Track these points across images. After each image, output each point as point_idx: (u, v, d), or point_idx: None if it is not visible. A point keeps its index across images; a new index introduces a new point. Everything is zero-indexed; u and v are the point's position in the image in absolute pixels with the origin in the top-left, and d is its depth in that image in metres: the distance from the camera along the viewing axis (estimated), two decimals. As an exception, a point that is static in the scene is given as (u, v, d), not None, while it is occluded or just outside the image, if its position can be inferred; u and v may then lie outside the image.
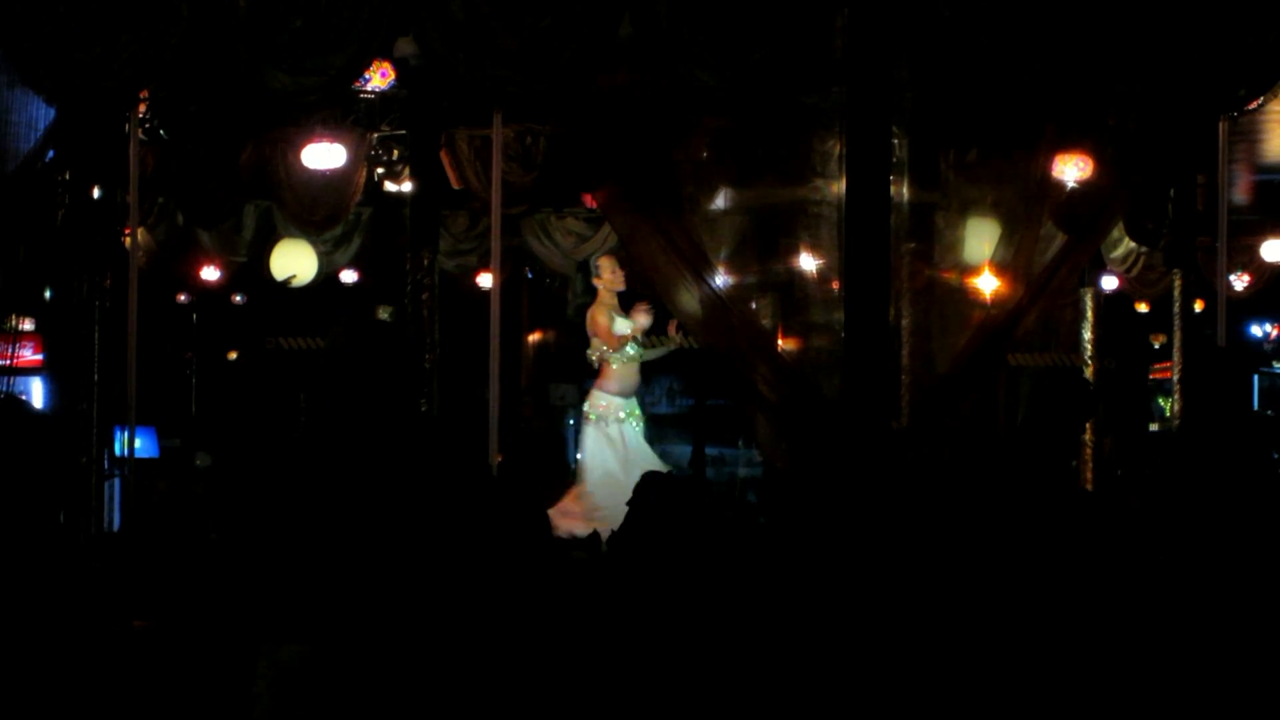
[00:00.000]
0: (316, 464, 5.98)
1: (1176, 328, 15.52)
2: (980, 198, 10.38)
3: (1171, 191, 14.31)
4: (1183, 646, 6.26)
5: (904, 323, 9.91)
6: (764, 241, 11.02)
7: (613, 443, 12.42)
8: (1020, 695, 6.66)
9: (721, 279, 9.47)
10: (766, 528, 10.12)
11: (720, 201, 11.02)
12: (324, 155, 13.45)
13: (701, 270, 9.13)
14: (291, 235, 15.91)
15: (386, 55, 11.18)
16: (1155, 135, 9.27)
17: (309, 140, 13.38)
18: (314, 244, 16.11)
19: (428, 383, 11.62)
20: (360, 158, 14.12)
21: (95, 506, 9.92)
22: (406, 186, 13.86)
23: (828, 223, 10.02)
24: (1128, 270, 17.13)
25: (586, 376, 13.47)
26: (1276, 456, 6.96)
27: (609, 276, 12.73)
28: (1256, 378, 20.50)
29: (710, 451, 15.95)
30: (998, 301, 9.35)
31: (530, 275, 21.08)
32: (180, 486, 12.86)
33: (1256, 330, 23.80)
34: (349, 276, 18.88)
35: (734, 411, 12.55)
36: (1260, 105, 9.37)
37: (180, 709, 7.25)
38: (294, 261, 15.86)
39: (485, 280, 17.12)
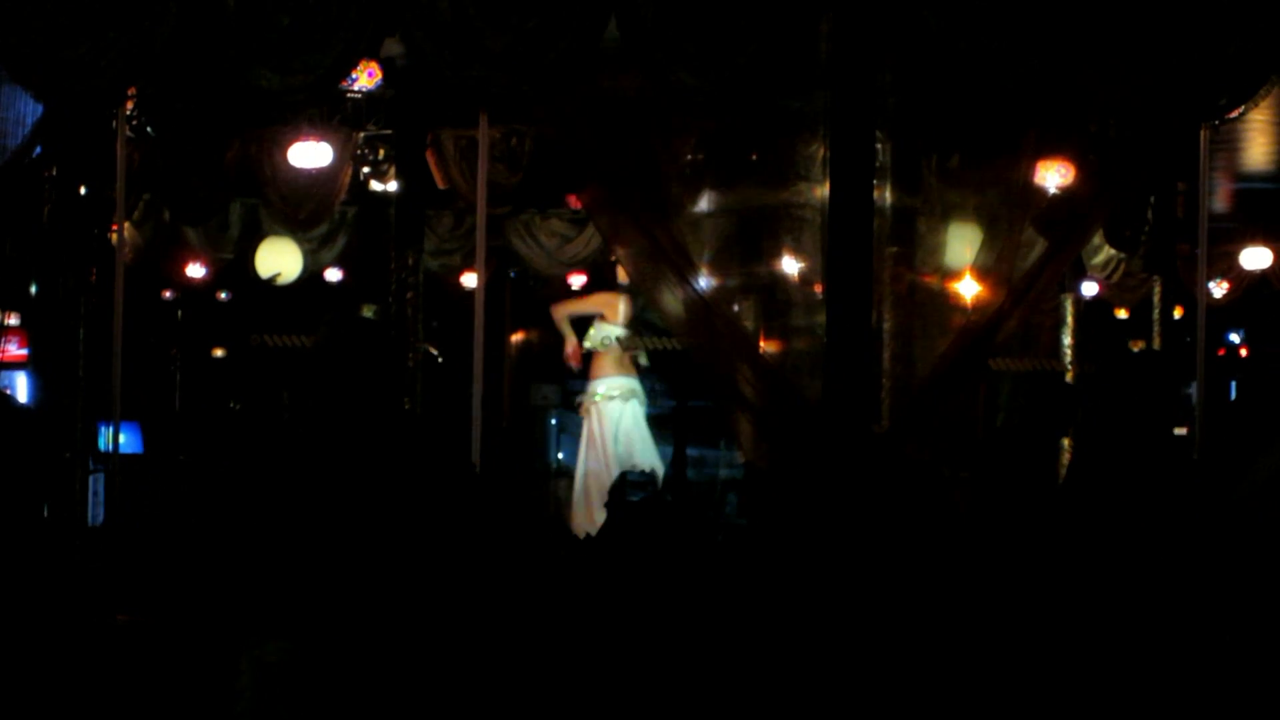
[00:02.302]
0: (301, 461, 6.01)
1: (1156, 334, 15.63)
2: (962, 203, 10.42)
3: (1152, 199, 14.39)
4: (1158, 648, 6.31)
5: (886, 326, 9.96)
6: (747, 244, 11.07)
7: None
8: (1003, 696, 6.70)
9: (705, 281, 9.51)
10: (746, 529, 10.17)
11: (704, 204, 11.07)
12: (310, 154, 13.49)
13: (685, 272, 9.16)
14: (277, 233, 15.94)
15: (373, 55, 11.22)
16: (1137, 143, 9.31)
17: (295, 139, 13.42)
18: (299, 242, 16.13)
19: (411, 382, 11.66)
20: (346, 157, 14.15)
21: (79, 502, 9.94)
22: (392, 186, 13.91)
23: (810, 226, 10.07)
24: (1108, 277, 17.20)
25: (569, 378, 13.59)
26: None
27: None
28: (1233, 383, 20.58)
29: (691, 453, 15.97)
30: (979, 306, 9.38)
31: (514, 275, 21.10)
32: (163, 483, 12.88)
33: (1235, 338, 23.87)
34: (334, 275, 18.90)
35: (715, 413, 12.58)
36: (1241, 114, 9.40)
37: (162, 704, 7.28)
38: (279, 259, 15.88)
39: (469, 280, 17.17)
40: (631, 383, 13.05)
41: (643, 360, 13.13)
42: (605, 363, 12.99)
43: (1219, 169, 14.35)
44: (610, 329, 12.72)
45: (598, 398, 12.81)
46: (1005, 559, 7.02)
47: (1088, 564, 6.42)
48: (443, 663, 5.90)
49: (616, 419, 12.85)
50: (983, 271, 9.39)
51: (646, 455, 12.74)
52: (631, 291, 12.62)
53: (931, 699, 7.05)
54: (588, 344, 12.90)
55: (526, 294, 21.64)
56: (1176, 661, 6.25)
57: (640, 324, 12.92)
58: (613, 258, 13.31)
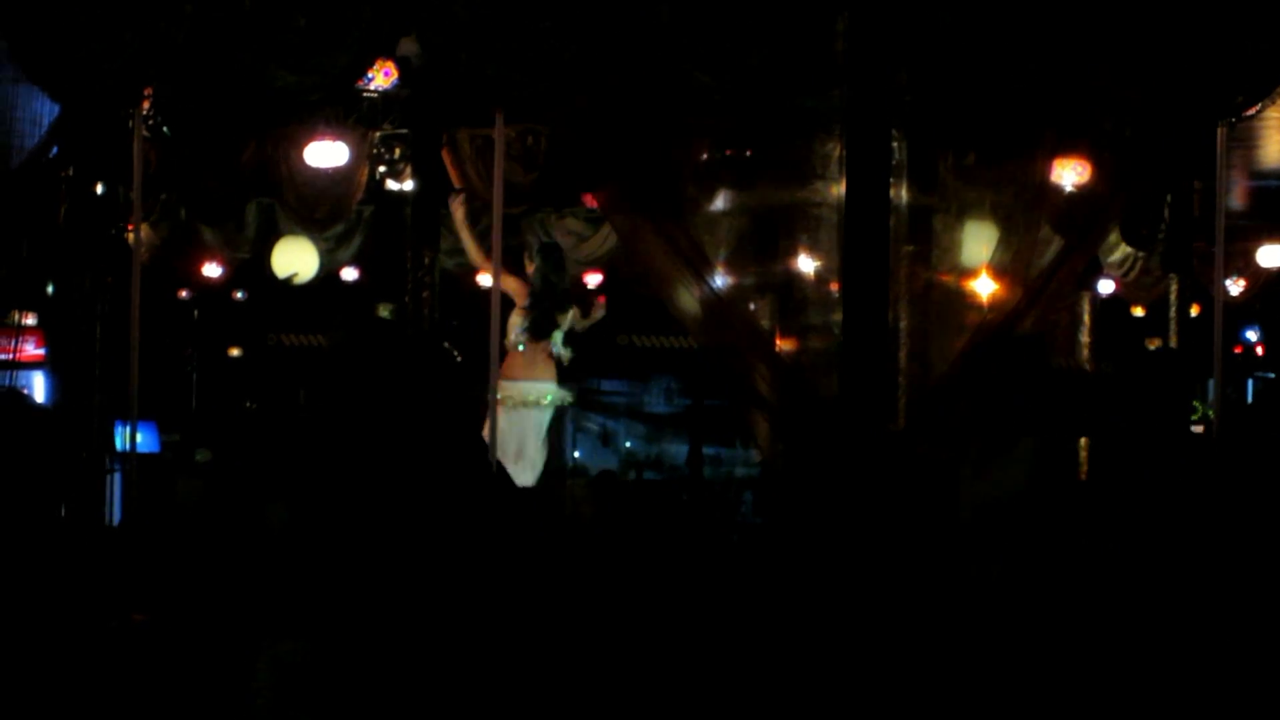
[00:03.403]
0: (317, 460, 6.03)
1: (1173, 332, 15.60)
2: (979, 201, 10.39)
3: (1169, 197, 14.37)
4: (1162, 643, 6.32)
5: (902, 325, 9.93)
6: (763, 243, 11.04)
7: None
8: (1015, 693, 6.70)
9: (721, 279, 9.51)
10: (762, 528, 10.16)
11: (720, 203, 11.04)
12: (326, 153, 13.52)
13: (701, 270, 9.17)
14: (293, 233, 15.95)
15: (389, 54, 11.23)
16: (1153, 141, 9.31)
17: (311, 138, 13.44)
18: (315, 242, 16.14)
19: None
20: (362, 156, 14.16)
21: (96, 501, 9.95)
22: (408, 185, 13.91)
23: (827, 225, 10.04)
24: (1124, 275, 17.19)
25: (587, 375, 13.47)
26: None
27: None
28: (1250, 381, 20.55)
29: (708, 451, 15.98)
30: (995, 305, 9.38)
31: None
32: (180, 481, 12.90)
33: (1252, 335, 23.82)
34: (350, 274, 18.91)
35: (731, 411, 12.55)
36: (1258, 112, 9.39)
37: (180, 703, 7.29)
38: (295, 259, 15.89)
39: (486, 279, 17.17)
40: (539, 387, 12.65)
41: (565, 357, 12.84)
42: (514, 363, 12.65)
43: (1236, 167, 14.32)
44: (519, 323, 12.62)
45: (504, 399, 12.48)
46: (1021, 556, 7.02)
47: (1104, 561, 6.43)
48: (459, 660, 5.91)
49: (506, 427, 12.44)
50: (999, 270, 9.39)
51: (526, 470, 12.29)
52: (534, 288, 12.57)
53: (944, 695, 7.05)
54: (510, 338, 12.70)
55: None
56: (1191, 657, 6.25)
57: (548, 316, 12.70)
58: (527, 257, 13.28)
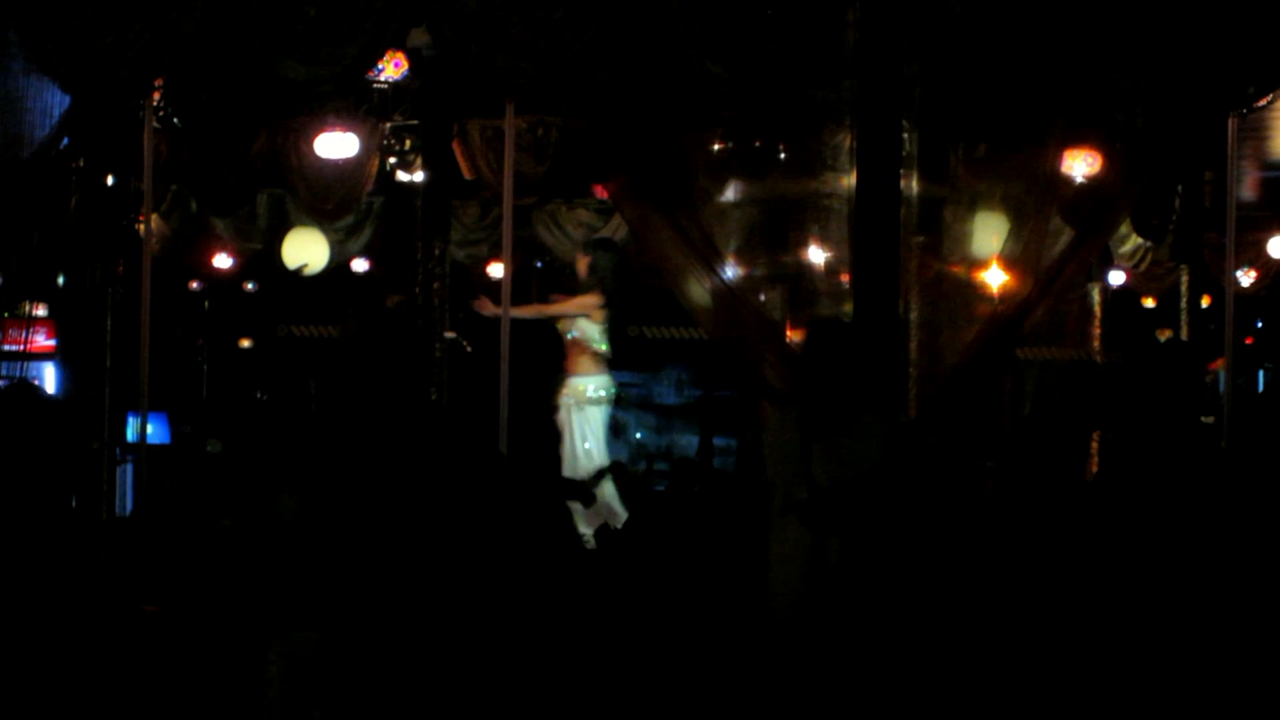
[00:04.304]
0: (328, 452, 6.02)
1: (1183, 323, 15.61)
2: (989, 192, 10.40)
3: (1179, 188, 14.36)
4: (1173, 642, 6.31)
5: (912, 316, 9.93)
6: (774, 234, 11.05)
7: None
8: (1024, 691, 6.70)
9: (731, 270, 9.51)
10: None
11: (731, 194, 11.05)
12: (336, 145, 13.54)
13: (712, 262, 9.15)
14: (304, 224, 15.96)
15: (400, 46, 11.26)
16: (1164, 132, 9.29)
17: (322, 129, 13.46)
18: (326, 233, 16.16)
19: (438, 372, 11.69)
20: (373, 147, 14.18)
21: (107, 492, 9.98)
22: (418, 176, 13.93)
23: (837, 216, 10.05)
24: (1135, 266, 17.19)
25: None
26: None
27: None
28: (1261, 372, 20.55)
29: (718, 442, 15.96)
30: (1006, 296, 9.37)
31: (540, 265, 21.11)
32: (191, 473, 12.92)
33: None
34: (361, 265, 18.92)
35: (742, 402, 12.54)
36: (1269, 103, 9.37)
37: (190, 693, 7.30)
38: (306, 250, 15.90)
39: (496, 270, 17.18)
40: (609, 382, 12.75)
41: (605, 350, 12.88)
42: (586, 360, 12.65)
43: (1247, 157, 14.31)
44: (593, 327, 12.53)
45: (592, 395, 12.54)
46: (1032, 549, 7.01)
47: (1114, 555, 6.42)
48: (471, 653, 5.91)
49: (581, 421, 12.53)
50: (1009, 261, 9.38)
51: (602, 457, 12.48)
52: (603, 287, 12.49)
53: (955, 691, 7.05)
54: (595, 345, 12.62)
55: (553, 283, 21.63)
56: (1203, 653, 6.24)
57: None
58: (580, 253, 13.22)
